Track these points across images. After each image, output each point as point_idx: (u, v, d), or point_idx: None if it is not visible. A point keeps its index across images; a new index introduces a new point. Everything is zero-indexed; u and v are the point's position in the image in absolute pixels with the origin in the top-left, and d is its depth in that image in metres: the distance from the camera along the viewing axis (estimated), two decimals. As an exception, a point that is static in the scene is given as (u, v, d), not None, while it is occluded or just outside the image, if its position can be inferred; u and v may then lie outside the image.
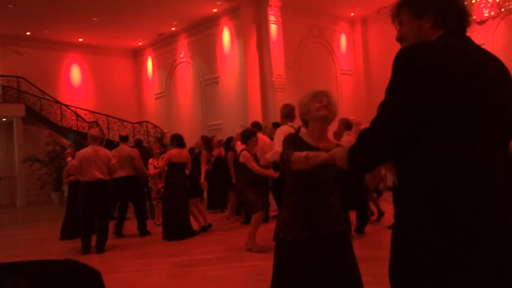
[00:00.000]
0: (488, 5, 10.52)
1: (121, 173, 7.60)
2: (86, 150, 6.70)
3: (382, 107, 1.49)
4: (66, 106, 16.82)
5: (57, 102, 16.79)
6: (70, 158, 6.94)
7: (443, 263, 1.39)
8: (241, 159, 6.10)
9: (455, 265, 1.37)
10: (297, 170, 2.18)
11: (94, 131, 7.21)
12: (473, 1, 10.52)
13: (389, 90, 1.49)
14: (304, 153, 2.11)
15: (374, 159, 1.55)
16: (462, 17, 1.56)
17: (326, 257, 2.32)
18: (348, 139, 6.74)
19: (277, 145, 5.48)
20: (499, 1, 10.46)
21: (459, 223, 1.38)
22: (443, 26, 1.55)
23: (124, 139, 8.23)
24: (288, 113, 5.55)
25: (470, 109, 1.41)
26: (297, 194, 2.38)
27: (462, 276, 1.38)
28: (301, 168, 2.13)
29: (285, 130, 5.42)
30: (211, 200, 10.36)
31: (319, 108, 2.41)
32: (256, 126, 8.28)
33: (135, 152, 8.12)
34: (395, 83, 1.48)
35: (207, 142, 8.86)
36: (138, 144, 10.72)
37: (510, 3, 10.45)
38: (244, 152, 6.04)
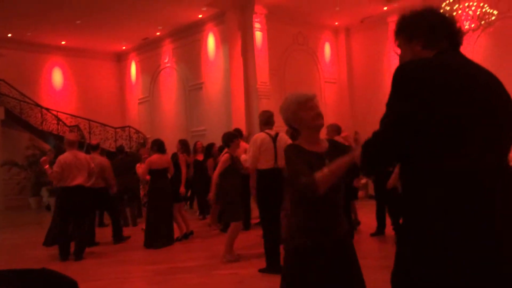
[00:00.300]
0: (469, 17, 10.73)
1: (79, 181, 6.92)
2: (67, 156, 6.56)
3: (384, 120, 1.61)
4: (47, 109, 16.56)
5: (38, 105, 16.52)
6: (47, 166, 6.44)
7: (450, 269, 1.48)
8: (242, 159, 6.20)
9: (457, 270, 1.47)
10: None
11: (70, 136, 7.07)
12: (454, 14, 10.72)
13: (389, 105, 1.61)
14: (325, 170, 2.08)
15: (380, 164, 1.75)
16: (453, 37, 1.72)
17: (338, 260, 2.29)
18: None
19: (250, 151, 5.42)
20: (479, 14, 10.68)
21: (456, 230, 1.47)
22: (435, 46, 1.69)
23: (94, 148, 8.07)
24: (266, 120, 5.51)
25: (462, 120, 1.51)
26: (308, 203, 2.30)
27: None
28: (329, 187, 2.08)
29: (261, 137, 5.39)
30: (201, 207, 10.30)
31: (313, 117, 2.36)
32: (237, 132, 8.26)
33: (106, 162, 7.92)
34: (393, 98, 1.60)
35: (184, 145, 8.72)
36: (120, 150, 10.60)
37: (490, 16, 10.68)
38: (226, 155, 6.04)
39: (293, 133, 2.76)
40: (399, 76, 1.59)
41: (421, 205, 1.55)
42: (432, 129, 1.50)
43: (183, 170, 7.95)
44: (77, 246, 6.53)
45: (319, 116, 2.36)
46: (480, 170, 1.50)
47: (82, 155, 6.77)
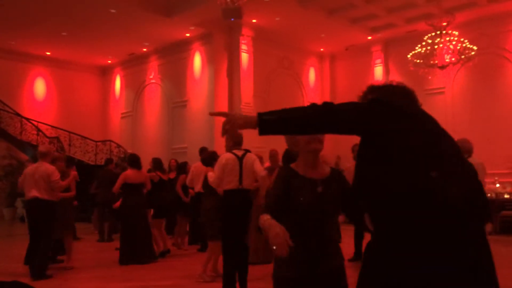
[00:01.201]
0: (450, 51, 11.05)
1: (34, 193, 6.23)
2: (30, 167, 6.41)
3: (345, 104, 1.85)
4: (27, 119, 16.31)
5: (18, 114, 16.26)
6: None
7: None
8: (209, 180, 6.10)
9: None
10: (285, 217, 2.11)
11: (42, 147, 6.80)
12: (436, 47, 11.05)
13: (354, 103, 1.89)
14: (268, 221, 2.01)
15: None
16: (418, 103, 2.10)
17: None
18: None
19: (215, 171, 5.32)
20: (459, 48, 11.02)
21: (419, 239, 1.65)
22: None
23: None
24: (235, 140, 5.40)
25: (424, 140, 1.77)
26: (293, 231, 2.17)
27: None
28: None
29: (226, 157, 5.27)
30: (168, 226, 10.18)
31: (308, 141, 2.22)
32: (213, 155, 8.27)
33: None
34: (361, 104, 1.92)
35: (157, 163, 8.34)
36: (108, 162, 10.58)
37: (470, 51, 11.03)
38: (211, 173, 6.02)
39: (288, 154, 2.72)
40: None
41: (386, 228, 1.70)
42: (393, 148, 1.75)
43: (147, 185, 7.69)
44: (37, 262, 6.13)
45: (314, 139, 2.21)
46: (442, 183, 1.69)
47: (44, 166, 6.26)
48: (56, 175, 6.29)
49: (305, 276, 2.18)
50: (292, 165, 2.31)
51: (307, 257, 2.19)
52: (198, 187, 7.68)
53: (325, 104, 1.80)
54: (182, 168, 9.11)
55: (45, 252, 6.25)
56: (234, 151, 5.34)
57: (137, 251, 7.12)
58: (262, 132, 1.80)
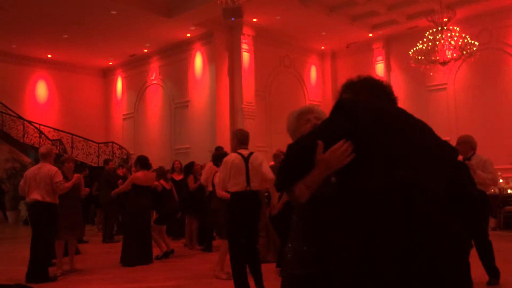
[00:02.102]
0: (451, 47, 11.01)
1: (35, 196, 6.11)
2: (32, 169, 6.31)
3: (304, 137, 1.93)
4: (29, 122, 16.35)
5: (20, 117, 16.30)
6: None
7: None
8: (215, 181, 6.05)
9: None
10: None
11: (43, 148, 6.58)
12: (437, 43, 11.01)
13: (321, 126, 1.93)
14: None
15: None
16: (390, 96, 2.06)
17: None
18: None
19: (220, 173, 5.13)
20: (461, 44, 10.97)
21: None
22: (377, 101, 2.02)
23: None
24: (242, 139, 5.17)
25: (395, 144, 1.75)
26: (300, 226, 2.16)
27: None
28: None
29: (231, 158, 5.08)
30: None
31: (307, 129, 2.20)
32: (219, 150, 8.25)
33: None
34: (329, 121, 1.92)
35: (161, 172, 8.31)
36: (107, 162, 10.64)
37: (471, 46, 10.98)
38: (218, 173, 5.96)
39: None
40: (339, 105, 1.92)
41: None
42: (366, 151, 1.74)
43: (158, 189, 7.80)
44: (30, 267, 6.05)
45: (309, 124, 2.21)
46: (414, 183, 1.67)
47: (46, 167, 6.13)
48: (59, 176, 6.14)
49: (312, 274, 2.14)
50: None
51: (315, 254, 2.12)
52: (210, 187, 7.72)
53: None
54: (190, 168, 9.10)
55: (44, 255, 6.11)
56: (240, 151, 5.11)
57: (140, 253, 7.12)
58: None
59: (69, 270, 6.62)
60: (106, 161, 11.06)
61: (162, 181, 7.99)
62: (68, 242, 6.76)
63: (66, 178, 6.58)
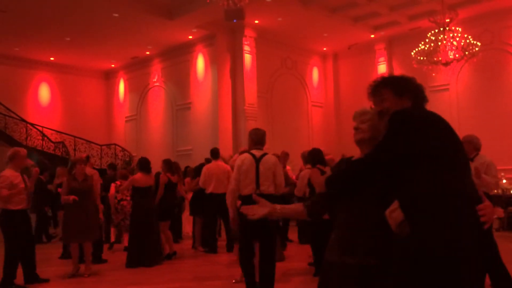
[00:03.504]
0: (454, 48, 10.99)
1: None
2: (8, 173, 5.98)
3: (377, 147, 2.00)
4: (32, 125, 16.39)
5: (23, 120, 16.34)
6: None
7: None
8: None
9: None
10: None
11: (10, 150, 6.40)
12: (439, 44, 11.00)
13: (385, 140, 1.97)
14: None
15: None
16: (424, 98, 2.15)
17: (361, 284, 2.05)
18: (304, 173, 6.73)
19: (234, 173, 4.93)
20: (463, 45, 10.96)
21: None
22: (415, 103, 2.09)
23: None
24: (257, 139, 4.89)
25: (452, 152, 1.91)
26: (336, 216, 2.24)
27: None
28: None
29: (242, 158, 4.87)
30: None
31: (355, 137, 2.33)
32: (214, 153, 8.24)
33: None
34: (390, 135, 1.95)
35: (168, 164, 8.19)
36: (111, 167, 10.56)
37: (474, 47, 10.97)
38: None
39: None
40: (399, 119, 1.94)
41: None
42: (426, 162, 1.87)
43: (160, 190, 7.70)
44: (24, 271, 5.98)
45: (355, 130, 2.33)
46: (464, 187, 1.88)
47: (2, 173, 5.91)
48: (1, 181, 5.72)
49: (334, 263, 2.15)
50: (350, 157, 2.42)
51: (339, 245, 2.16)
52: (210, 189, 7.71)
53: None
54: (198, 171, 9.08)
55: (9, 259, 5.78)
56: (253, 151, 4.85)
57: (145, 254, 7.12)
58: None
59: (83, 273, 6.49)
60: (112, 166, 10.84)
61: (168, 174, 7.98)
62: (83, 245, 6.68)
63: (76, 181, 6.51)
